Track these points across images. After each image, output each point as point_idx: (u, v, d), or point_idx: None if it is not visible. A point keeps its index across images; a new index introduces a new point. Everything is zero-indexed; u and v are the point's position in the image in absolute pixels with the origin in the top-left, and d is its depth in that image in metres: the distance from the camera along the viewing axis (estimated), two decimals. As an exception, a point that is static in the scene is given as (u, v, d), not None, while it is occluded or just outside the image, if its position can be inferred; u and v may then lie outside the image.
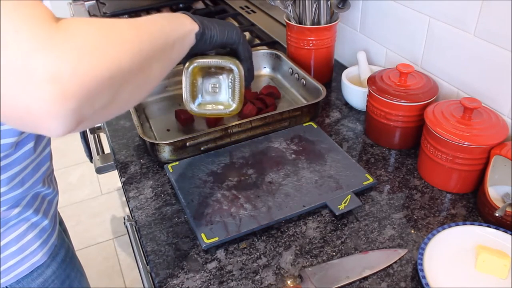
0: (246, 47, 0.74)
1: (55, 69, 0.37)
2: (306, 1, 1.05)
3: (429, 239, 0.68)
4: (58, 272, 0.75)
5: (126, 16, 1.61)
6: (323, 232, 0.74)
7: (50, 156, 0.74)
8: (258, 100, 1.01)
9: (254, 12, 1.63)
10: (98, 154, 1.04)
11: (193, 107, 0.77)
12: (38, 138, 0.67)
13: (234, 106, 0.77)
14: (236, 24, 1.57)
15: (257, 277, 0.67)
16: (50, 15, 0.39)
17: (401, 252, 0.69)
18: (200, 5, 1.72)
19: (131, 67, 0.45)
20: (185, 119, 0.98)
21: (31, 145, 0.65)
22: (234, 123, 0.88)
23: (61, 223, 0.91)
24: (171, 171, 0.84)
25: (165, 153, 0.85)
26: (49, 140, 0.73)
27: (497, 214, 0.71)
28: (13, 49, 0.36)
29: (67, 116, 0.38)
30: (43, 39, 0.37)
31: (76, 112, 0.39)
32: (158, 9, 1.67)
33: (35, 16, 0.38)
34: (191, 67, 0.73)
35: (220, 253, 0.70)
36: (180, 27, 0.61)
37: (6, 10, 0.37)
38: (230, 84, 0.76)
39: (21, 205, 0.67)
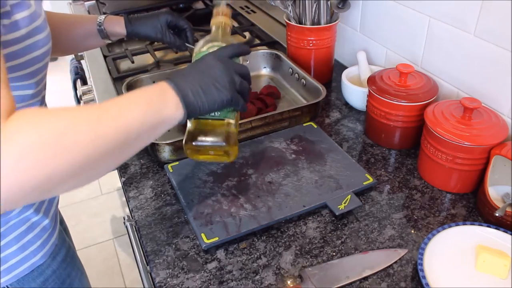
0: (241, 102, 0.66)
1: None
2: (306, 1, 1.05)
3: (429, 239, 0.68)
4: (59, 272, 0.75)
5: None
6: (323, 232, 0.74)
7: None
8: (258, 100, 1.01)
9: (254, 12, 1.63)
10: (98, 154, 1.04)
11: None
12: None
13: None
14: (236, 23, 1.57)
15: (257, 277, 0.67)
16: (4, 109, 0.41)
17: (401, 252, 0.69)
18: (200, 5, 1.72)
19: (73, 171, 0.44)
20: None
21: None
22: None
23: (62, 222, 0.91)
24: (171, 171, 0.84)
25: (165, 153, 0.85)
26: None
27: (497, 214, 0.71)
28: None
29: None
30: None
31: (11, 200, 0.42)
32: (158, 9, 1.67)
33: None
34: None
35: (220, 253, 0.70)
36: (157, 115, 0.55)
37: None
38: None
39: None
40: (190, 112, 0.59)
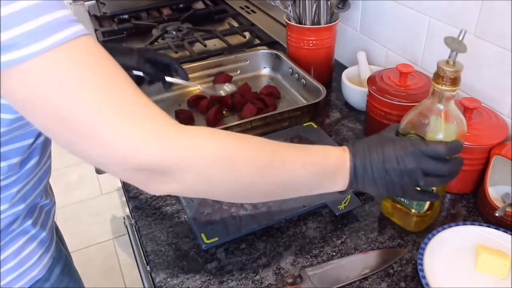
0: (421, 198, 0.65)
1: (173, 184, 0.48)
2: (306, 1, 1.05)
3: (429, 239, 0.68)
4: (57, 285, 0.72)
5: (126, 16, 1.61)
6: (323, 232, 0.74)
7: (50, 167, 0.71)
8: (258, 100, 1.01)
9: (254, 12, 1.63)
10: (98, 154, 1.04)
11: None
12: (43, 151, 0.65)
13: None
14: (236, 23, 1.57)
15: (257, 277, 0.67)
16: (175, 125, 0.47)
17: (401, 252, 0.69)
18: (200, 5, 1.72)
19: (233, 197, 0.54)
20: (185, 119, 0.98)
21: (35, 159, 0.63)
22: (234, 123, 0.88)
23: (57, 230, 0.89)
24: (171, 171, 0.84)
25: (165, 153, 0.84)
26: (50, 151, 0.70)
27: (497, 214, 0.71)
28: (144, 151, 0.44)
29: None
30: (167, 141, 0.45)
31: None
32: (158, 9, 1.67)
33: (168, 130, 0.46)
34: None
35: (220, 253, 0.70)
36: (321, 188, 0.57)
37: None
38: None
39: (20, 218, 0.65)
40: (345, 192, 0.60)
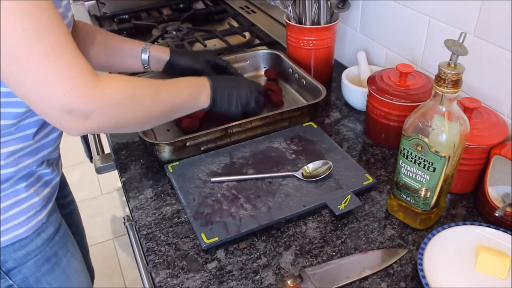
0: (238, 117, 0.89)
1: (92, 114, 0.60)
2: (306, 1, 1.05)
3: (429, 239, 0.68)
4: (43, 248, 0.76)
5: (126, 16, 1.61)
6: (323, 232, 0.74)
7: (54, 144, 0.76)
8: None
9: (254, 12, 1.63)
10: (98, 154, 1.04)
11: None
12: (41, 127, 0.71)
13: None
14: (236, 23, 1.57)
15: (257, 277, 0.67)
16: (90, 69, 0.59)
17: (401, 252, 0.69)
18: (200, 5, 1.72)
19: (136, 121, 0.69)
20: (186, 123, 0.96)
21: (31, 131, 0.69)
22: (234, 123, 0.88)
23: (69, 204, 0.98)
24: (171, 171, 0.84)
25: (165, 153, 0.85)
26: (55, 127, 0.74)
27: (497, 214, 0.71)
28: (61, 89, 0.56)
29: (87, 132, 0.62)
30: (89, 89, 0.58)
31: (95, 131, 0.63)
32: (158, 9, 1.67)
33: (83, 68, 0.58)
34: None
35: (220, 253, 0.70)
36: (193, 101, 0.80)
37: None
38: None
39: (12, 180, 0.70)
40: (212, 107, 0.83)
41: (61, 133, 0.78)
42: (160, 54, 0.96)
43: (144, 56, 0.95)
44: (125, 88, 0.64)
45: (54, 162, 0.79)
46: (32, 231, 0.74)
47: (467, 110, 0.75)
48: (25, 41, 0.52)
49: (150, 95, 0.69)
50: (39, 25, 0.53)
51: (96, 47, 0.89)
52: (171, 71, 0.97)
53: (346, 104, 1.07)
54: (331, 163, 0.82)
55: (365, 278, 0.66)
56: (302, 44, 1.09)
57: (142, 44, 0.95)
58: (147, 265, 0.71)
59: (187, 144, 0.85)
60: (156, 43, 1.39)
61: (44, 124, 0.71)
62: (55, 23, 0.54)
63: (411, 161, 0.68)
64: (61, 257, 0.81)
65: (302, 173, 0.82)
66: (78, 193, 2.28)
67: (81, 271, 0.88)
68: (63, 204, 0.95)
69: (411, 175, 0.69)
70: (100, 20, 1.61)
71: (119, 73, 1.10)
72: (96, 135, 1.13)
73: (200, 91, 0.80)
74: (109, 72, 1.19)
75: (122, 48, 0.94)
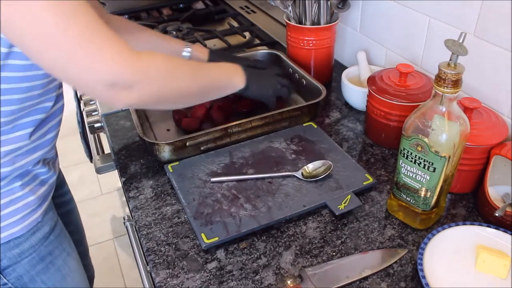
0: (271, 101, 0.93)
1: (135, 90, 0.61)
2: (306, 1, 1.05)
3: (429, 239, 0.68)
4: (38, 247, 0.77)
5: (126, 16, 1.61)
6: (323, 232, 0.74)
7: (50, 143, 0.76)
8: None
9: (254, 12, 1.63)
10: (98, 154, 1.04)
11: None
12: (37, 127, 0.71)
13: None
14: (236, 23, 1.57)
15: (257, 277, 0.67)
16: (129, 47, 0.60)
17: (401, 252, 0.69)
18: (200, 5, 1.72)
19: (176, 94, 0.70)
20: (185, 123, 0.96)
21: (28, 130, 0.69)
22: (234, 123, 0.88)
23: (67, 203, 0.98)
24: (171, 171, 0.84)
25: (165, 153, 0.85)
26: (52, 128, 0.75)
27: (497, 214, 0.71)
28: (112, 66, 0.57)
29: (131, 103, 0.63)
30: (131, 60, 0.59)
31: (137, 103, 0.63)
32: (158, 9, 1.67)
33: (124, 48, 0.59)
34: None
35: (220, 253, 0.70)
36: (229, 82, 0.83)
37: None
38: None
39: (8, 178, 0.70)
40: (246, 91, 0.86)
41: (58, 133, 0.78)
42: (199, 54, 0.98)
43: (186, 55, 0.97)
44: (165, 63, 0.65)
45: (50, 161, 0.79)
46: (27, 229, 0.74)
47: (467, 110, 0.75)
48: (61, 22, 0.53)
49: (189, 72, 0.71)
50: (71, 6, 0.53)
51: (137, 42, 0.92)
52: None
53: (346, 104, 1.07)
54: (331, 163, 0.82)
55: (365, 278, 0.66)
56: (302, 44, 1.09)
57: (183, 43, 0.98)
58: (147, 265, 0.71)
59: (187, 144, 0.85)
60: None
61: (40, 124, 0.72)
62: (85, 5, 0.55)
63: (411, 161, 0.68)
64: (56, 256, 0.81)
65: (302, 173, 0.82)
66: (78, 193, 2.28)
67: (77, 270, 0.88)
68: (61, 203, 0.95)
69: (411, 175, 0.69)
70: (100, 20, 1.61)
71: None
72: (96, 135, 1.13)
73: (235, 73, 0.84)
74: None
75: (165, 46, 0.96)
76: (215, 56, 1.00)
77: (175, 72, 0.67)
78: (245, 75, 0.85)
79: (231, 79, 0.83)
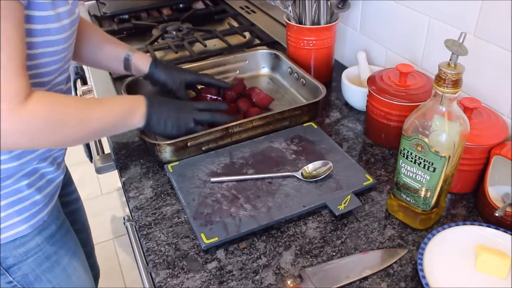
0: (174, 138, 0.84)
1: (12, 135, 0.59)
2: (306, 1, 1.05)
3: (429, 239, 0.68)
4: (43, 246, 0.77)
5: (126, 16, 1.61)
6: (323, 232, 0.74)
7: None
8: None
9: (254, 12, 1.63)
10: (98, 154, 1.04)
11: None
12: None
13: None
14: (236, 23, 1.57)
15: (257, 277, 0.67)
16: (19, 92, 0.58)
17: (401, 252, 0.69)
18: (200, 5, 1.72)
19: (59, 143, 0.68)
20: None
21: None
22: (234, 123, 0.88)
23: (74, 202, 0.99)
24: (171, 171, 0.84)
25: (166, 153, 0.85)
26: None
27: (497, 214, 0.71)
28: None
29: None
30: (13, 111, 0.57)
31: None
32: (158, 9, 1.67)
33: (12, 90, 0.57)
34: None
35: (220, 253, 0.70)
36: (125, 122, 0.75)
37: None
38: None
39: (15, 177, 0.70)
40: (146, 127, 0.78)
41: None
42: (140, 65, 0.94)
43: (126, 63, 0.93)
44: (50, 113, 0.62)
45: (58, 160, 0.80)
46: (33, 228, 0.74)
47: (467, 110, 0.75)
48: None
49: (78, 117, 0.66)
50: None
51: (87, 45, 0.89)
52: (150, 80, 0.96)
53: (346, 104, 1.07)
54: (331, 163, 0.82)
55: (365, 278, 0.66)
56: (302, 44, 1.09)
57: (127, 48, 0.94)
58: (147, 265, 0.71)
59: (188, 144, 0.85)
60: (156, 43, 1.39)
61: None
62: (9, 38, 0.55)
63: (411, 161, 0.68)
64: (62, 256, 0.81)
65: (302, 173, 0.82)
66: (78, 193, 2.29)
67: (82, 269, 0.88)
68: (68, 201, 0.96)
69: (411, 175, 0.69)
70: (100, 20, 1.61)
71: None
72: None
73: (134, 110, 0.76)
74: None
75: (106, 50, 0.92)
76: (154, 70, 0.94)
77: (59, 122, 0.64)
78: (147, 111, 0.77)
79: (127, 119, 0.75)
